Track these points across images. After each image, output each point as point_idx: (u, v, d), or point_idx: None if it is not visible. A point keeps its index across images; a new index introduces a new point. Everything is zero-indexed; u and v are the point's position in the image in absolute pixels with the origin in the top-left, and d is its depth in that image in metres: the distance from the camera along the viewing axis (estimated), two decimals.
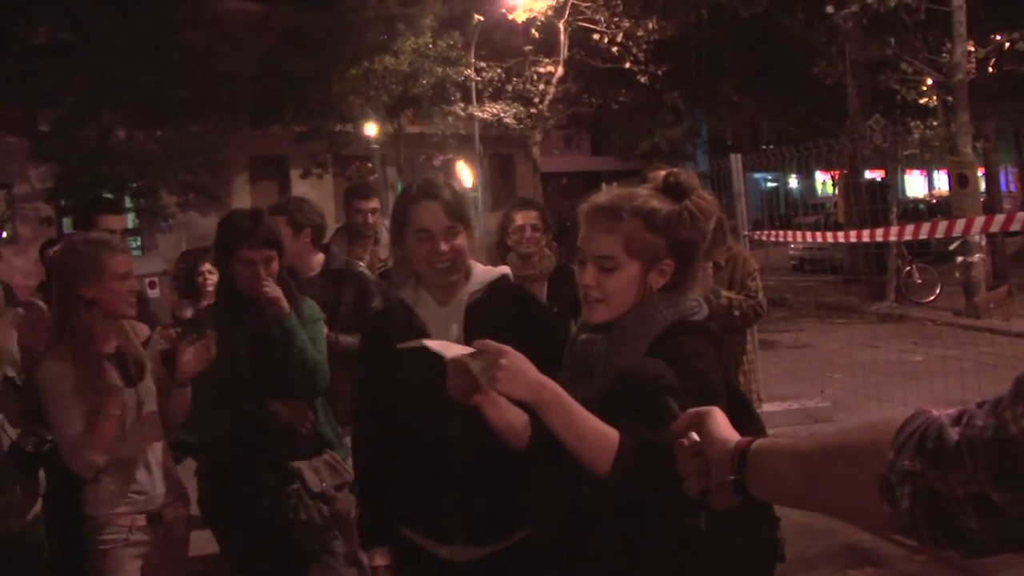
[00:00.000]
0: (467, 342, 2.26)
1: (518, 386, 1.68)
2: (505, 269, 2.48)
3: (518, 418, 1.88)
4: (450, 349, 1.78)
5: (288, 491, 3.08)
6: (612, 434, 1.67)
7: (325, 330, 3.38)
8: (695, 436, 1.31)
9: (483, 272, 2.43)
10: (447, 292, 2.37)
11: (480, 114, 21.18)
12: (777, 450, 1.18)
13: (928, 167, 27.32)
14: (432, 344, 1.78)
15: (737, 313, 4.44)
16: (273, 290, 3.04)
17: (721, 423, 1.30)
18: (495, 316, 2.31)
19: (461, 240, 2.33)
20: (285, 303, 3.07)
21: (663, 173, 1.90)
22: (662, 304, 1.83)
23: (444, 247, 2.30)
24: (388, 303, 2.54)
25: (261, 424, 3.10)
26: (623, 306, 1.84)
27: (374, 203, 4.78)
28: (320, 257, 4.02)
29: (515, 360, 1.69)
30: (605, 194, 1.87)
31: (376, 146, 22.35)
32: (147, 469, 2.89)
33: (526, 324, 2.25)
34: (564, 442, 1.68)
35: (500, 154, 27.27)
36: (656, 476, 1.53)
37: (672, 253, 1.83)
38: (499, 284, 2.41)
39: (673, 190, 1.86)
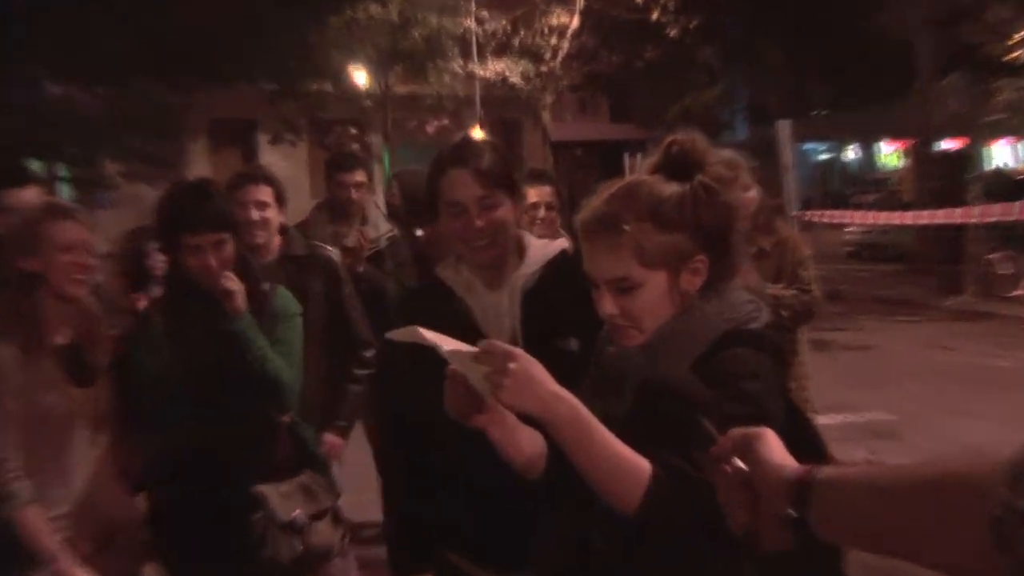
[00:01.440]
0: (524, 337, 2.30)
1: (528, 398, 1.64)
2: (563, 243, 2.46)
3: (532, 442, 1.86)
4: (448, 343, 1.74)
5: (249, 521, 3.02)
6: (640, 463, 1.64)
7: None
8: (739, 463, 1.29)
9: (540, 248, 2.42)
10: (496, 273, 2.39)
11: (482, 72, 21.15)
12: (850, 482, 1.17)
13: (1018, 134, 27.13)
14: (428, 335, 1.74)
15: (786, 312, 4.39)
16: (230, 281, 2.99)
17: (774, 447, 1.29)
18: (558, 304, 2.28)
19: (502, 212, 2.33)
20: (239, 300, 3.01)
21: (667, 141, 1.86)
22: (708, 309, 1.80)
23: (479, 222, 2.30)
24: (422, 285, 2.54)
25: (216, 438, 3.05)
26: (659, 323, 1.81)
27: (359, 176, 4.76)
28: (277, 240, 3.98)
29: (527, 366, 1.65)
30: (596, 201, 1.83)
31: (368, 103, 22.28)
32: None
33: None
34: (581, 469, 1.65)
35: (504, 120, 27.25)
36: (693, 516, 1.52)
37: (700, 245, 1.80)
38: (558, 263, 2.41)
39: (678, 164, 1.82)
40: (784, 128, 7.38)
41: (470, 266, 2.41)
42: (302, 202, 6.84)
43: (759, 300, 1.86)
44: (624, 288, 1.79)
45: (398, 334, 1.84)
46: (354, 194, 4.72)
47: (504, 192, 2.34)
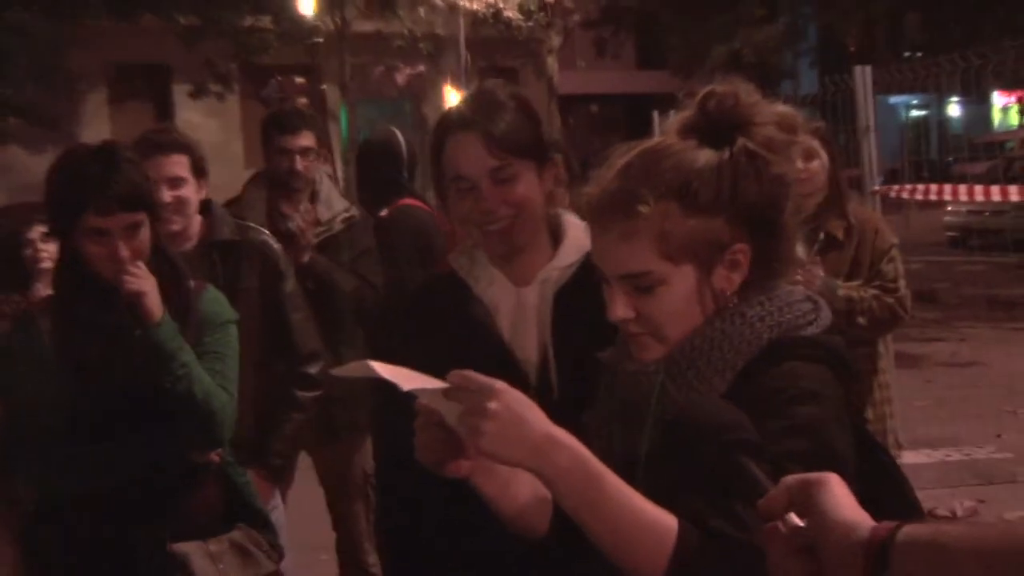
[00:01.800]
0: (555, 348, 2.32)
1: (515, 446, 1.64)
2: None
3: (531, 494, 1.86)
4: (409, 380, 1.73)
5: None
6: (665, 522, 1.65)
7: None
8: (796, 519, 1.28)
9: (582, 235, 2.37)
10: (523, 265, 2.41)
11: (467, 4, 21.15)
12: (946, 544, 1.16)
13: None
14: (382, 370, 1.73)
15: (863, 319, 4.41)
16: (136, 281, 3.01)
17: (841, 497, 1.28)
18: (600, 307, 2.24)
19: (524, 187, 2.35)
20: (153, 301, 3.03)
21: (703, 95, 1.86)
22: (749, 313, 1.80)
23: (491, 201, 2.32)
24: (431, 279, 2.57)
25: (120, 482, 3.07)
26: (686, 332, 1.81)
27: (305, 139, 4.77)
28: (198, 220, 4.00)
29: (513, 404, 1.65)
30: (608, 174, 1.84)
31: (319, 43, 22.26)
32: None
33: None
34: (589, 531, 1.65)
35: (498, 67, 27.24)
36: None
37: (741, 230, 1.80)
38: None
39: (716, 123, 1.82)
40: (863, 76, 7.38)
41: (490, 256, 2.43)
42: (234, 173, 6.86)
43: (817, 300, 1.87)
44: (642, 287, 1.80)
45: (345, 370, 1.84)
46: (299, 163, 4.73)
47: (527, 160, 2.36)
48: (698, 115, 1.83)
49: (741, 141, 1.79)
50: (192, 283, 3.21)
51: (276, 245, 4.16)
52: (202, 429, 3.11)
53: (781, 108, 1.88)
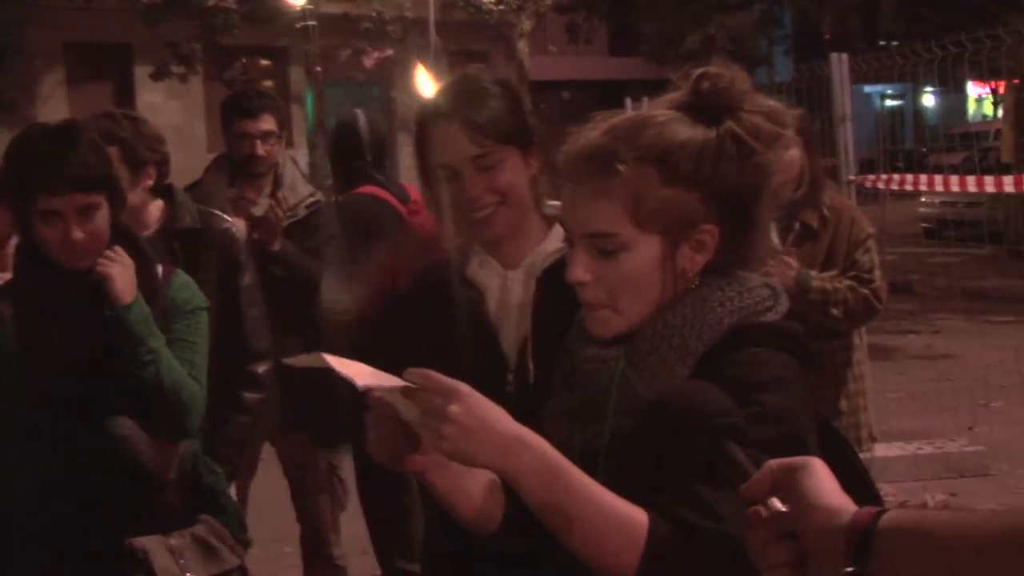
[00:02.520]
0: (535, 330, 2.36)
1: (479, 447, 1.64)
2: None
3: (484, 488, 1.86)
4: (364, 376, 1.72)
5: None
6: (634, 516, 1.65)
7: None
8: (778, 504, 1.29)
9: None
10: (511, 249, 2.44)
11: None
12: (927, 531, 1.17)
13: None
14: (336, 363, 1.72)
15: (837, 310, 4.42)
16: (107, 264, 2.99)
17: (824, 483, 1.29)
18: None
19: (508, 173, 2.38)
20: (122, 284, 3.01)
21: (697, 74, 1.88)
22: (710, 298, 1.82)
23: (472, 191, 2.35)
24: (431, 264, 2.60)
25: (80, 473, 3.05)
26: (644, 308, 1.83)
27: (266, 123, 4.73)
28: (158, 206, 3.96)
29: (475, 407, 1.65)
30: (590, 131, 1.86)
31: (285, 24, 22.11)
32: None
33: None
34: (556, 529, 1.66)
35: (468, 52, 27.20)
36: None
37: (714, 211, 1.82)
38: None
39: (707, 103, 1.84)
40: (840, 64, 7.40)
41: (480, 242, 2.47)
42: (196, 156, 6.82)
43: (775, 286, 1.89)
44: (605, 249, 1.81)
45: (299, 360, 1.84)
46: (260, 148, 4.69)
47: (510, 147, 2.39)
48: (691, 94, 1.85)
49: (729, 123, 1.81)
50: (160, 268, 3.19)
51: (239, 234, 4.14)
52: (170, 419, 3.10)
53: (771, 102, 1.89)
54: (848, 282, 4.45)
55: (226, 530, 3.22)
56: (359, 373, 1.71)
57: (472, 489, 1.85)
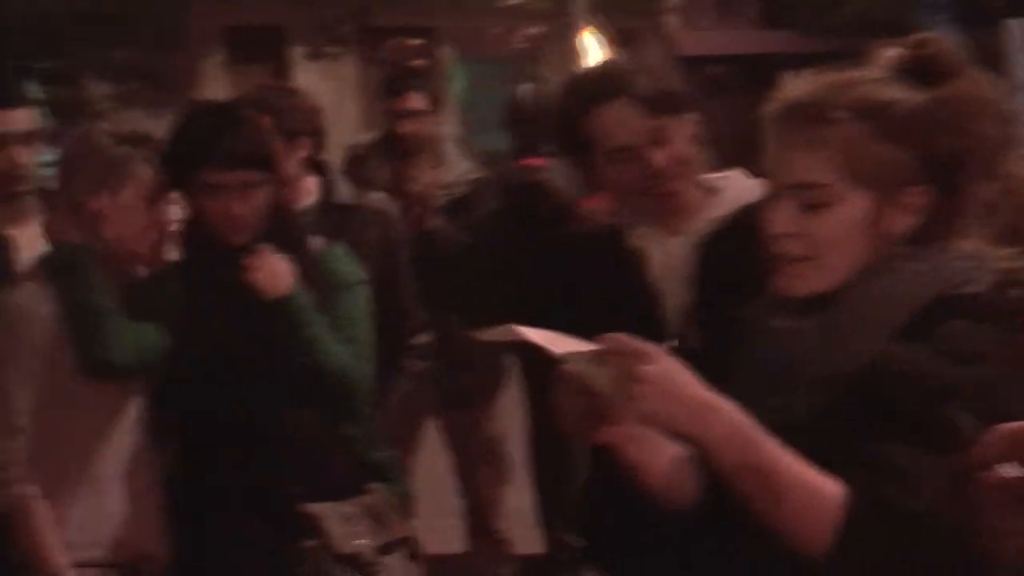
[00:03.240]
0: (696, 301, 2.40)
1: (671, 411, 1.65)
2: None
3: (676, 463, 1.87)
4: (558, 343, 1.74)
5: (298, 549, 3.07)
6: (830, 490, 1.64)
7: None
8: (1011, 469, 1.26)
9: (740, 189, 2.49)
10: (676, 217, 2.47)
11: None
12: None
13: None
14: (530, 334, 1.73)
15: (1018, 291, 4.26)
16: (250, 270, 3.01)
17: None
18: (747, 263, 2.25)
19: (681, 139, 2.43)
20: (273, 284, 3.03)
21: (914, 40, 1.87)
22: (916, 265, 1.79)
23: (659, 162, 2.38)
24: (594, 231, 2.66)
25: (256, 440, 3.09)
26: (845, 267, 1.80)
27: (414, 101, 4.78)
28: (313, 181, 4.00)
29: (668, 368, 1.66)
30: (803, 83, 1.85)
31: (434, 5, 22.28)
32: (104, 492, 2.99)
33: None
34: (747, 500, 1.66)
35: (615, 27, 27.10)
36: (910, 563, 1.53)
37: (926, 175, 1.79)
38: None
39: (923, 69, 1.82)
40: (1016, 31, 7.20)
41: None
42: (350, 136, 6.91)
43: (978, 256, 1.84)
44: (812, 203, 1.79)
45: (490, 335, 1.85)
46: (407, 125, 4.72)
47: (676, 117, 2.43)
48: (911, 57, 1.82)
49: (948, 87, 1.78)
50: (318, 241, 3.21)
51: (394, 212, 4.18)
52: (336, 399, 3.13)
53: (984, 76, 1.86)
54: None
55: (395, 500, 3.25)
56: (551, 340, 1.72)
57: (664, 463, 1.86)
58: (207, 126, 3.08)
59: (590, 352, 1.69)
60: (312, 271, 3.14)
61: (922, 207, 1.80)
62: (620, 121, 2.39)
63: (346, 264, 3.26)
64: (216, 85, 24.09)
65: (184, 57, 21.14)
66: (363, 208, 4.09)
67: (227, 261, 3.07)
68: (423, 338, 4.25)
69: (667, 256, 2.46)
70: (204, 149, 3.03)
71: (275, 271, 3.03)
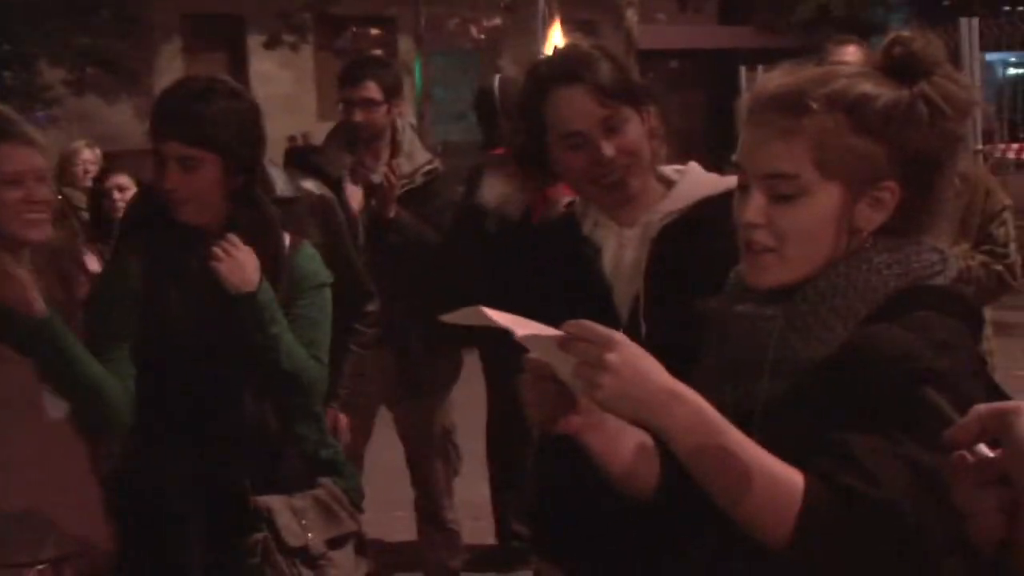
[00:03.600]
0: (647, 294, 2.39)
1: (634, 399, 1.63)
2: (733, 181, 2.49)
3: (639, 452, 1.86)
4: (523, 326, 1.72)
5: (248, 543, 3.03)
6: (792, 479, 1.63)
7: None
8: (986, 450, 1.24)
9: (696, 183, 2.51)
10: (628, 209, 2.47)
11: None
12: None
13: None
14: (496, 316, 1.71)
15: (969, 288, 4.27)
16: (218, 258, 2.96)
17: None
18: (704, 255, 2.30)
19: (633, 130, 2.42)
20: (239, 277, 2.98)
21: (890, 39, 1.87)
22: (881, 257, 1.80)
23: (608, 151, 2.38)
24: (548, 221, 2.67)
25: (204, 429, 3.06)
26: (812, 260, 1.81)
27: (367, 90, 4.72)
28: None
29: (632, 357, 1.64)
30: (780, 75, 1.85)
31: None
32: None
33: None
34: (710, 489, 1.65)
35: (575, 21, 27.09)
36: (875, 551, 1.54)
37: (898, 170, 1.79)
38: (720, 203, 2.45)
39: (900, 66, 1.82)
40: (971, 30, 7.24)
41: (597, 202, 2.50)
42: (307, 125, 6.88)
43: (944, 250, 1.86)
44: (783, 193, 1.80)
45: (455, 316, 1.84)
46: (359, 114, 4.69)
47: (630, 107, 2.42)
48: (883, 58, 1.83)
49: (922, 85, 1.78)
50: (288, 237, 3.18)
51: (333, 199, 4.22)
52: (289, 402, 3.12)
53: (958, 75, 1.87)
54: (981, 257, 4.32)
55: (344, 495, 3.24)
56: (517, 324, 1.70)
57: (626, 453, 1.85)
58: (173, 99, 3.06)
59: (555, 337, 1.66)
60: (278, 266, 3.10)
61: (892, 202, 1.80)
62: (573, 107, 2.39)
63: (314, 262, 3.23)
64: (173, 73, 23.98)
65: (141, 45, 20.98)
66: (302, 200, 4.08)
67: (188, 244, 3.04)
68: (373, 303, 4.28)
69: (621, 247, 2.47)
70: (158, 120, 3.02)
71: (243, 264, 2.99)
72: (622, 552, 2.32)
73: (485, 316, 1.71)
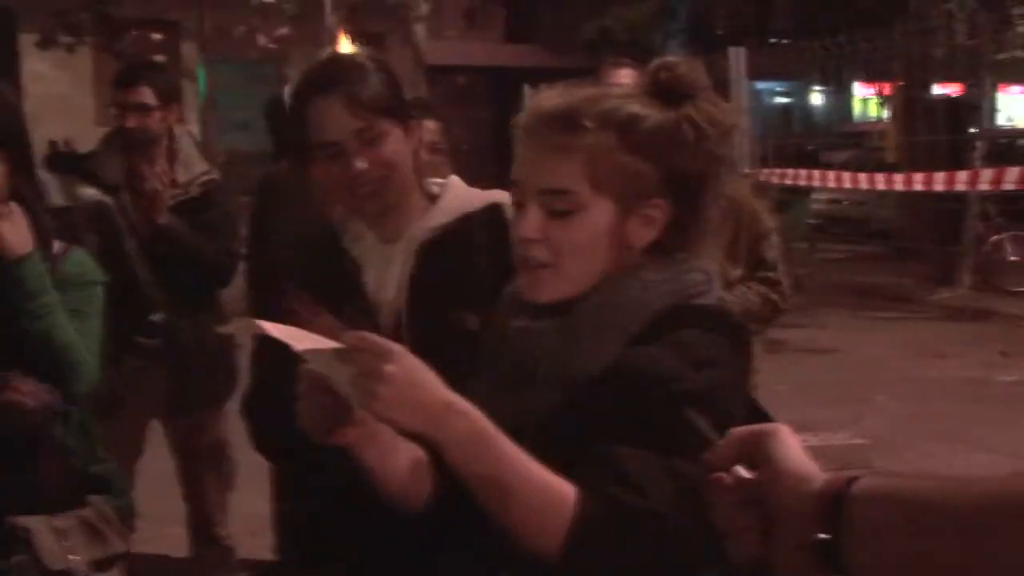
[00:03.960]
0: (408, 306, 2.38)
1: (410, 411, 1.65)
2: (499, 196, 2.50)
3: (411, 465, 1.88)
4: (301, 339, 1.71)
5: (5, 566, 2.91)
6: (563, 491, 1.67)
7: None
8: (743, 471, 1.28)
9: (461, 197, 2.51)
10: (392, 224, 2.46)
11: None
12: (904, 496, 1.16)
13: None
14: (272, 329, 1.71)
15: (745, 315, 4.34)
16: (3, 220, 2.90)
17: (793, 449, 1.29)
18: (464, 268, 2.35)
19: (391, 146, 2.40)
20: (16, 238, 2.92)
21: (656, 64, 1.92)
22: (651, 274, 1.85)
23: (360, 164, 2.35)
24: (310, 230, 2.64)
25: None
26: (587, 275, 1.85)
27: (141, 95, 4.62)
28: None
29: (409, 369, 1.66)
30: (556, 94, 1.89)
31: None
32: None
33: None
34: (483, 499, 1.67)
35: (365, 33, 27.00)
36: (637, 561, 1.56)
37: (666, 189, 1.85)
38: (481, 219, 2.48)
39: (666, 90, 1.87)
40: (738, 58, 7.48)
41: (362, 216, 2.48)
42: (84, 128, 6.67)
43: (709, 270, 1.92)
44: (559, 209, 1.82)
45: (233, 327, 1.82)
46: (132, 119, 4.58)
47: (391, 120, 2.40)
48: (649, 83, 1.88)
49: (687, 108, 1.84)
50: (59, 245, 3.10)
51: (111, 203, 4.13)
52: (59, 379, 3.01)
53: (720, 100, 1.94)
54: (759, 288, 4.40)
55: (114, 514, 3.14)
56: (294, 336, 1.69)
57: (399, 465, 1.87)
58: None
59: (332, 349, 1.66)
60: (52, 273, 3.00)
61: (662, 220, 1.85)
62: (328, 116, 2.37)
63: (82, 265, 3.14)
64: None
65: None
66: (78, 208, 3.98)
67: None
68: (156, 313, 4.19)
69: (384, 262, 2.46)
70: None
71: (20, 225, 2.91)
72: (396, 565, 2.31)
73: (260, 328, 1.70)
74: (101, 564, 3.05)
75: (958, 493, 1.12)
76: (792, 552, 1.22)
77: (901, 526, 1.14)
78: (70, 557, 2.98)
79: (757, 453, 1.28)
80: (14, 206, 2.94)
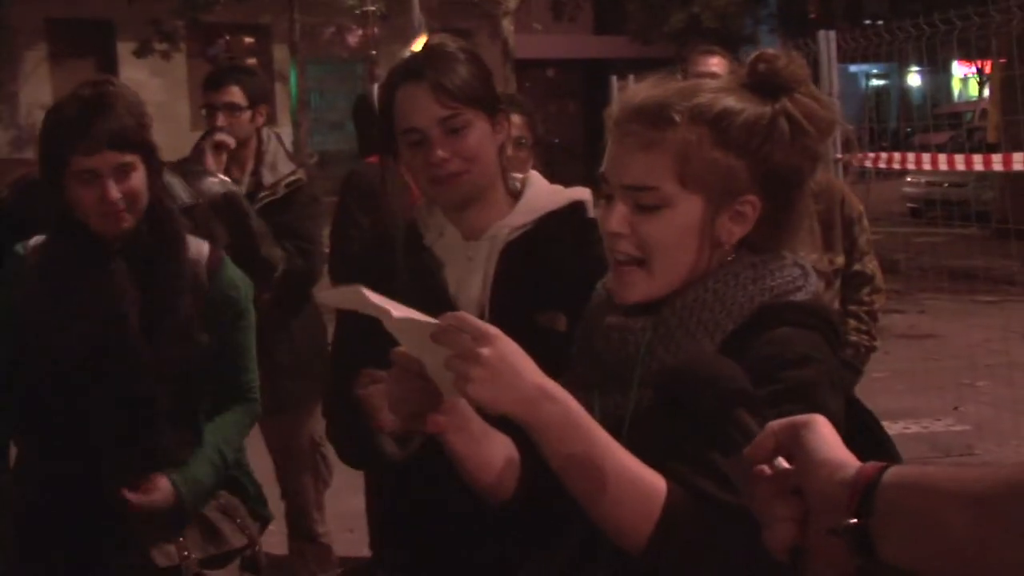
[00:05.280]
0: (491, 306, 2.40)
1: (505, 395, 1.63)
2: (581, 194, 2.50)
3: (501, 454, 1.87)
4: (399, 310, 1.70)
5: (123, 565, 2.94)
6: (654, 482, 1.66)
7: None
8: (783, 462, 1.30)
9: (544, 194, 2.51)
10: (474, 219, 2.46)
11: None
12: (932, 483, 1.17)
13: None
14: (373, 298, 1.70)
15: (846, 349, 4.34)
16: (137, 501, 2.93)
17: (828, 438, 1.29)
18: (551, 268, 2.35)
19: (476, 137, 2.40)
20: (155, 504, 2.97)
21: (754, 56, 1.89)
22: (742, 274, 1.82)
23: (440, 152, 2.36)
24: (391, 229, 2.65)
25: (83, 445, 2.95)
26: (675, 272, 1.83)
27: (230, 95, 4.66)
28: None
29: (506, 352, 1.64)
30: (646, 87, 1.86)
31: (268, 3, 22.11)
32: None
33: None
34: (574, 490, 1.66)
35: (452, 30, 27.15)
36: (722, 555, 1.57)
37: (759, 185, 1.82)
38: (565, 217, 2.48)
39: (763, 83, 1.84)
40: (828, 42, 7.38)
41: (444, 209, 2.48)
42: (179, 134, 6.78)
43: (804, 265, 1.90)
44: (646, 204, 1.81)
45: (330, 296, 1.82)
46: (220, 119, 4.62)
47: (478, 111, 2.40)
48: (747, 75, 1.86)
49: (785, 102, 1.81)
50: (207, 250, 3.10)
51: (236, 188, 4.23)
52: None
53: (821, 94, 1.91)
54: (854, 323, 4.50)
55: (242, 507, 3.19)
56: (394, 307, 1.69)
57: (489, 454, 1.87)
58: (78, 111, 2.89)
59: (430, 324, 1.64)
60: (197, 284, 3.02)
61: (753, 216, 1.82)
62: (414, 103, 2.38)
63: (236, 289, 3.12)
64: (38, 80, 23.47)
65: (4, 50, 20.51)
66: (203, 204, 4.01)
67: (99, 251, 2.93)
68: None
69: (466, 259, 2.47)
70: (74, 132, 2.85)
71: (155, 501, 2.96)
72: (480, 562, 2.32)
73: (363, 296, 1.69)
74: (217, 560, 3.05)
75: (981, 479, 1.13)
76: (825, 538, 1.23)
77: (927, 511, 1.16)
78: (186, 554, 2.98)
79: (792, 444, 1.29)
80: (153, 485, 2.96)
